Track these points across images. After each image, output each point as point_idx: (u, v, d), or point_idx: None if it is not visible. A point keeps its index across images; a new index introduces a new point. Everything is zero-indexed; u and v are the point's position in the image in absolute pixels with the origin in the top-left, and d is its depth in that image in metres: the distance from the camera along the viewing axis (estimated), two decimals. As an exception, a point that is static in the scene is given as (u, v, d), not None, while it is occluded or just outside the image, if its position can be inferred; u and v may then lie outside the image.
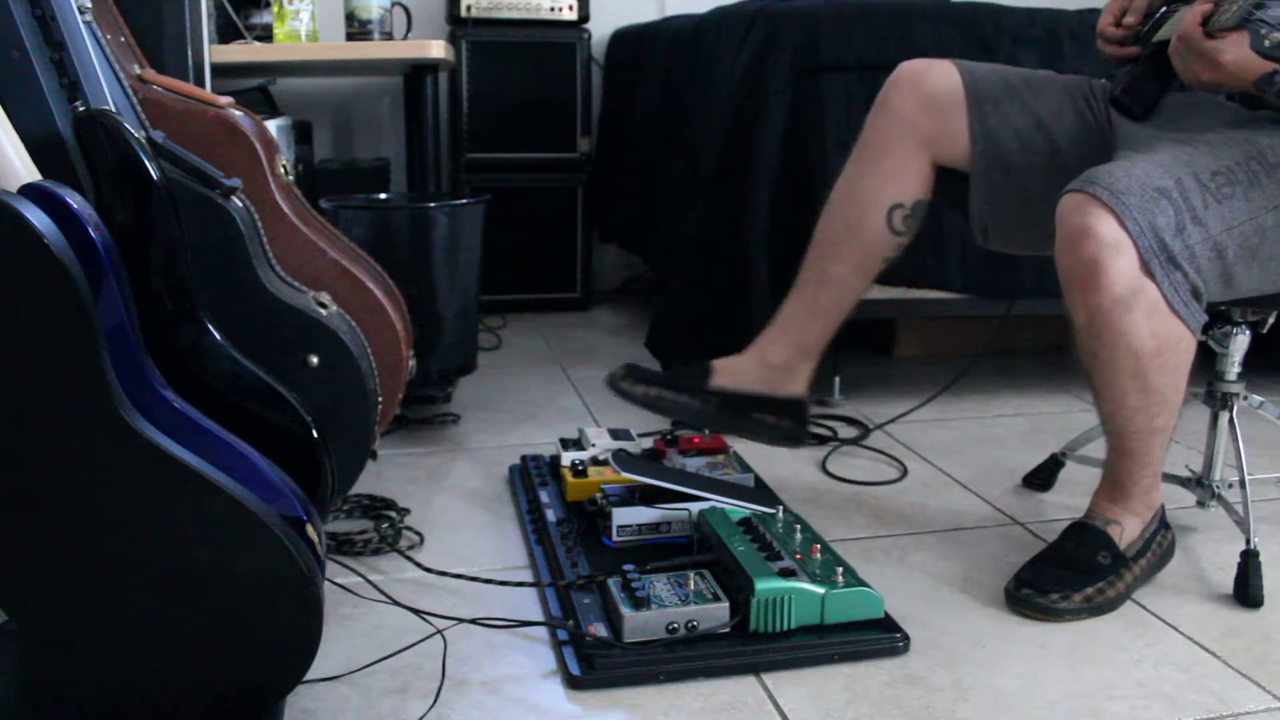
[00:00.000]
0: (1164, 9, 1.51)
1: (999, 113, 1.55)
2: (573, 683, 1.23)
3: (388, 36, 2.43)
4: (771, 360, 1.65)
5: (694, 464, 1.75)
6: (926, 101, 1.57)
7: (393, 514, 1.65)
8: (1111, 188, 1.26)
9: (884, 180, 1.59)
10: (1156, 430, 1.37)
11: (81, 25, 1.22)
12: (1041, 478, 1.83)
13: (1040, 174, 1.52)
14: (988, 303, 1.66)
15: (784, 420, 1.66)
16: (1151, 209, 1.26)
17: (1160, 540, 1.46)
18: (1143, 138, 1.43)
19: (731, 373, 1.66)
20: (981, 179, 1.56)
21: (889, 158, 1.59)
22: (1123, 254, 1.25)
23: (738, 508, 1.50)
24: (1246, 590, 1.43)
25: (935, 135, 1.56)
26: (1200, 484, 1.60)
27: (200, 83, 1.82)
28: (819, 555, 1.37)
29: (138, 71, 1.47)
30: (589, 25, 3.06)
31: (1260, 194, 1.31)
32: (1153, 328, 1.27)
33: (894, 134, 1.59)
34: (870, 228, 1.60)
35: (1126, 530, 1.42)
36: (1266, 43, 1.19)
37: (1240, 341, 1.53)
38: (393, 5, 2.45)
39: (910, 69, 1.62)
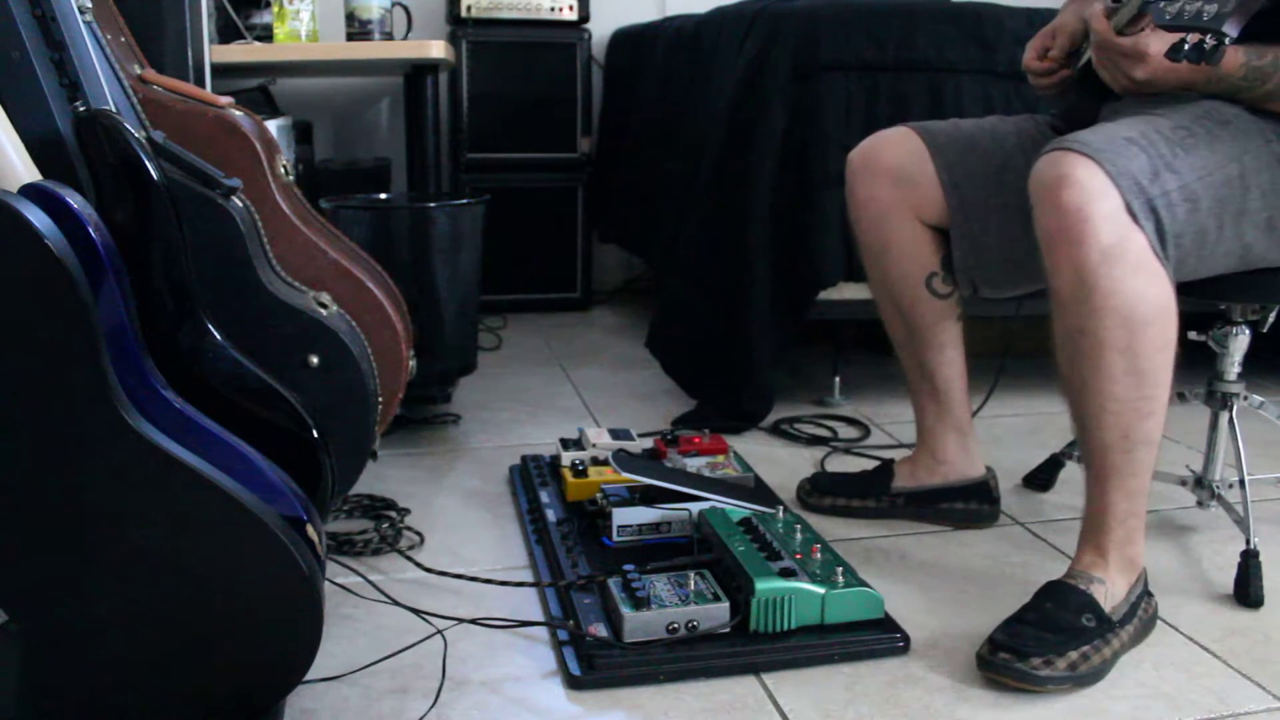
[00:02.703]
0: (1085, 43, 1.51)
1: (964, 163, 1.55)
2: (573, 683, 1.23)
3: (388, 36, 2.43)
4: (940, 455, 1.68)
5: (694, 464, 1.75)
6: (893, 176, 1.57)
7: (393, 514, 1.65)
8: (1082, 140, 1.25)
9: (903, 265, 1.60)
10: (1144, 438, 1.27)
11: (82, 25, 1.22)
12: (1041, 478, 1.83)
13: (1015, 214, 1.51)
14: (989, 303, 1.66)
15: (972, 503, 1.68)
16: (1125, 154, 1.24)
17: (1145, 608, 1.33)
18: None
19: (911, 474, 1.70)
20: (961, 229, 1.56)
21: (893, 244, 1.59)
22: (1106, 199, 1.21)
23: (738, 508, 1.50)
24: (1246, 590, 1.43)
25: (915, 202, 1.57)
26: (1200, 484, 1.60)
27: (200, 83, 1.82)
28: (819, 555, 1.37)
29: (138, 71, 1.47)
30: (589, 25, 3.06)
31: (1222, 146, 1.30)
32: (1139, 287, 1.21)
33: (882, 221, 1.59)
34: (923, 310, 1.61)
35: (1111, 590, 1.29)
36: (1168, 15, 1.16)
37: (1240, 341, 1.53)
38: (393, 5, 2.45)
39: (861, 154, 1.62)
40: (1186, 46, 1.14)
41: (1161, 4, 1.17)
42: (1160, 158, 1.26)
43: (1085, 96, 1.47)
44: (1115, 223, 1.21)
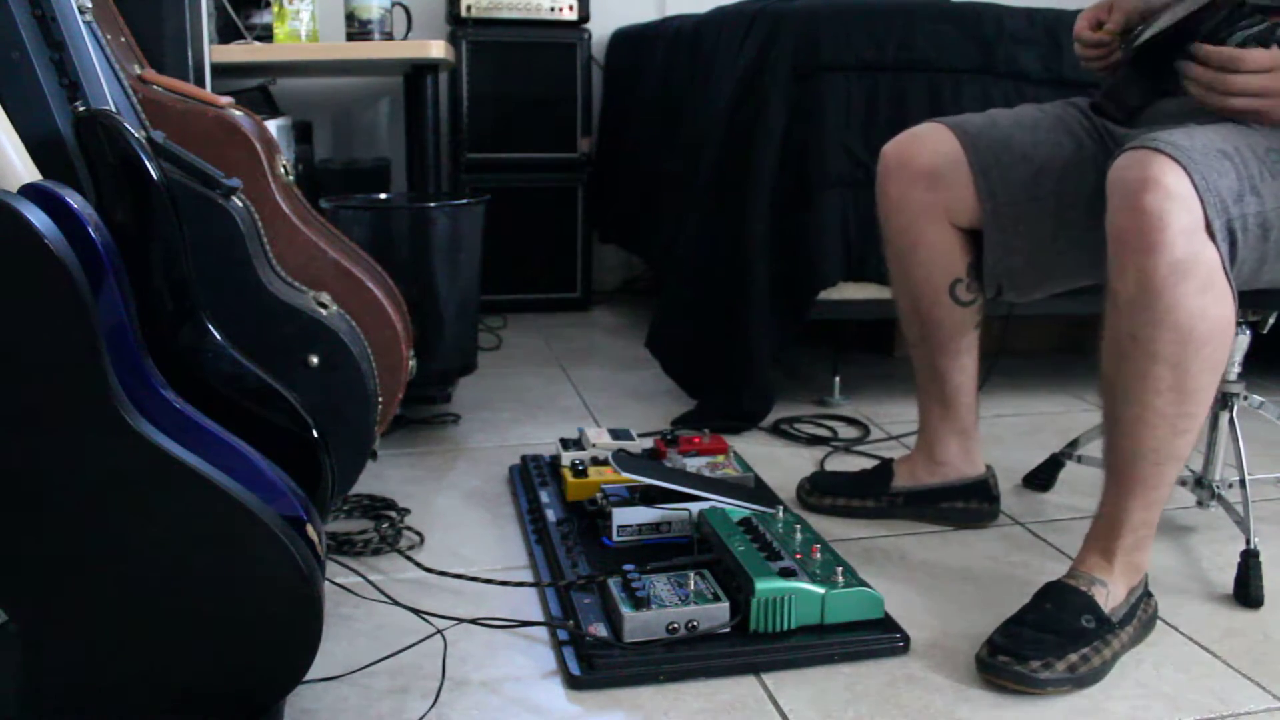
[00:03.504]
0: (1141, 26, 1.48)
1: (1000, 165, 1.51)
2: (573, 683, 1.23)
3: (388, 36, 2.43)
4: (941, 456, 1.67)
5: (694, 464, 1.75)
6: (928, 178, 1.54)
7: (393, 514, 1.65)
8: (1175, 144, 1.19)
9: (928, 268, 1.58)
10: (1174, 455, 1.25)
11: (81, 25, 1.22)
12: (1041, 478, 1.83)
13: (1049, 217, 1.50)
14: (989, 303, 1.67)
15: (972, 502, 1.68)
16: (1217, 168, 1.19)
17: (1144, 608, 1.33)
18: (1176, 120, 1.35)
19: (911, 473, 1.69)
20: (995, 234, 1.53)
21: (921, 246, 1.57)
22: (1188, 210, 1.16)
23: (738, 508, 1.50)
24: (1246, 590, 1.43)
25: (948, 205, 1.54)
26: (1200, 484, 1.60)
27: (200, 83, 1.82)
28: (819, 555, 1.37)
29: (138, 71, 1.47)
30: (589, 25, 3.06)
31: None
32: (1204, 305, 1.18)
33: (913, 223, 1.56)
34: (943, 315, 1.59)
35: (1112, 592, 1.28)
36: None
37: (1240, 341, 1.53)
38: (393, 5, 2.45)
39: (896, 152, 1.58)
40: None
41: None
42: (1249, 179, 1.21)
43: (1135, 79, 1.42)
44: (1192, 237, 1.16)
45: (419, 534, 1.60)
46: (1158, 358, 1.20)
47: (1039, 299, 1.63)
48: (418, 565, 1.49)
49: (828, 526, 1.63)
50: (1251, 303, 1.45)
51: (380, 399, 1.55)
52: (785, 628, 1.28)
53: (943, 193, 1.54)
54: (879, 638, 1.30)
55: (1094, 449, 1.64)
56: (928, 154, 1.55)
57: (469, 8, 2.96)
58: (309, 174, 2.75)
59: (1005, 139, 1.53)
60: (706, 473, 1.71)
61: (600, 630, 1.27)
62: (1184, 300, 1.17)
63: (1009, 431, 2.13)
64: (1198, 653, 1.31)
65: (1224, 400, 1.56)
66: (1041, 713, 1.19)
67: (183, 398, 1.07)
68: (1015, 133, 1.54)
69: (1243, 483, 1.52)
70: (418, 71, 2.57)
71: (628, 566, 1.34)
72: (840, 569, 1.33)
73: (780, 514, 1.48)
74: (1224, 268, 1.19)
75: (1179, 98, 1.38)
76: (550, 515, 1.61)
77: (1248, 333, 1.53)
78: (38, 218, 0.89)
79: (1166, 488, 1.28)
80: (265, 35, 2.40)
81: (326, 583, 1.22)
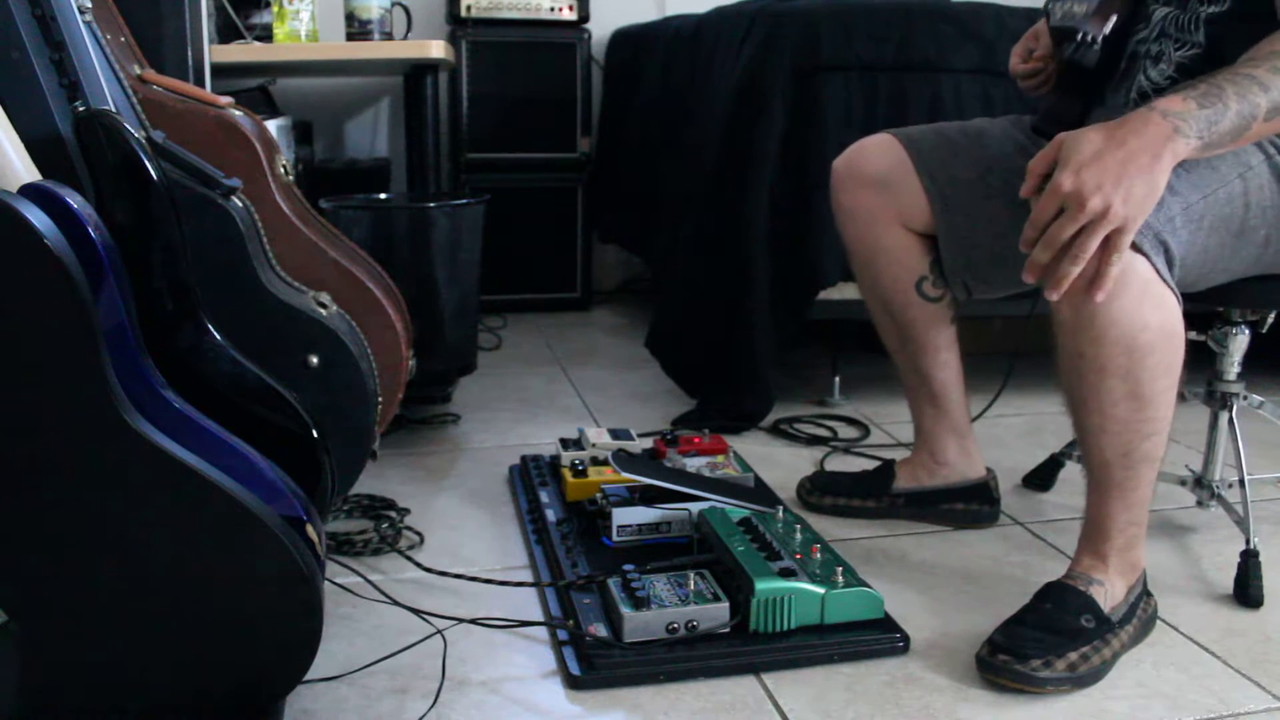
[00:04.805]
0: (1068, 43, 1.50)
1: (947, 169, 1.54)
2: (573, 683, 1.23)
3: (388, 36, 2.43)
4: (940, 457, 1.68)
5: (694, 464, 1.74)
6: (876, 185, 1.57)
7: (393, 514, 1.65)
8: None
9: (892, 270, 1.59)
10: (1145, 456, 1.26)
11: (81, 25, 1.22)
12: (1041, 478, 1.83)
13: (1003, 213, 1.50)
14: (988, 303, 1.67)
15: (972, 504, 1.68)
16: None
17: (1144, 608, 1.33)
18: None
19: (912, 475, 1.70)
20: (949, 234, 1.55)
21: (881, 251, 1.59)
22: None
23: (738, 508, 1.50)
24: (1246, 590, 1.43)
25: (900, 210, 1.56)
26: (1200, 484, 1.60)
27: (200, 83, 1.82)
28: (819, 555, 1.37)
29: (138, 71, 1.47)
30: (589, 25, 3.06)
31: (1224, 162, 1.28)
32: (1144, 315, 1.18)
33: (869, 229, 1.59)
34: (915, 315, 1.61)
35: (1111, 591, 1.29)
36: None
37: (1240, 341, 1.53)
38: (393, 5, 2.45)
39: (843, 163, 1.61)
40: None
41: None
42: None
43: (1065, 97, 1.44)
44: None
45: (419, 534, 1.60)
46: (1107, 371, 1.21)
47: (1012, 294, 1.63)
48: (418, 565, 1.49)
49: (828, 526, 1.63)
50: (1250, 301, 1.46)
51: (380, 399, 1.55)
52: (785, 628, 1.28)
53: (893, 198, 1.56)
54: (879, 638, 1.30)
55: (1094, 449, 1.64)
56: (874, 162, 1.58)
57: (469, 8, 2.96)
58: (309, 174, 2.75)
59: (952, 144, 1.56)
60: (706, 473, 1.71)
61: (600, 630, 1.27)
62: (1122, 314, 1.18)
63: (1009, 431, 2.13)
64: (1198, 653, 1.31)
65: (1224, 400, 1.56)
66: (1041, 712, 1.19)
67: (183, 398, 1.07)
68: (960, 139, 1.56)
69: (1242, 483, 1.52)
70: (417, 71, 2.57)
71: (627, 566, 1.34)
72: (840, 569, 1.33)
73: (780, 514, 1.48)
74: (1159, 274, 1.19)
75: (1109, 108, 1.40)
76: (550, 515, 1.61)
77: (1247, 333, 1.53)
78: (38, 218, 0.89)
79: (1146, 488, 1.29)
80: (265, 35, 2.39)
81: (326, 583, 1.22)
